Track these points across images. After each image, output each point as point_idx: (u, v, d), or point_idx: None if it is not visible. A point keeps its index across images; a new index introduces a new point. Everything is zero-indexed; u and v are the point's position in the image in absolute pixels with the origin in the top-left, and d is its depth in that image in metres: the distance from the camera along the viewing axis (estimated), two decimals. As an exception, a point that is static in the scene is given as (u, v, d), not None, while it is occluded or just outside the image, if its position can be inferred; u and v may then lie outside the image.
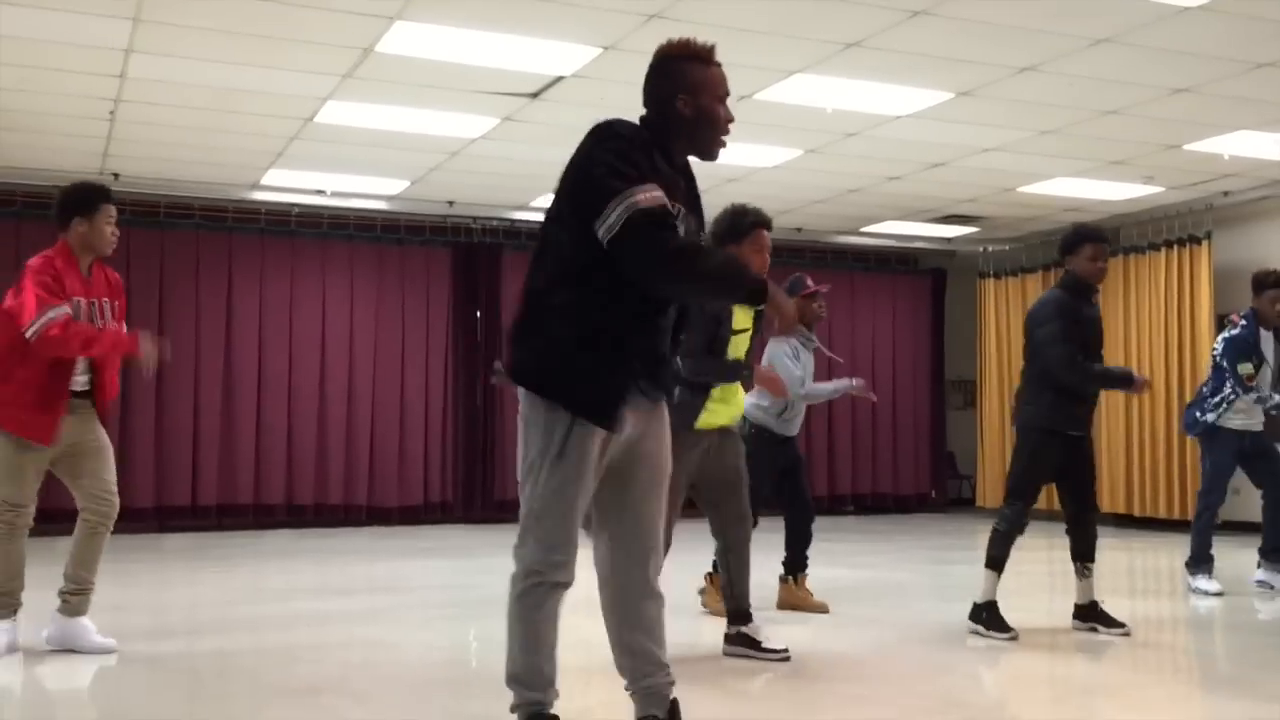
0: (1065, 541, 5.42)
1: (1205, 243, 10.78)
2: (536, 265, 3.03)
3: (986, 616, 5.23)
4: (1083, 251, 5.27)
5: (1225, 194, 10.45)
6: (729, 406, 4.82)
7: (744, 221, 4.75)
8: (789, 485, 5.98)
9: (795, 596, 6.00)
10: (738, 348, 4.82)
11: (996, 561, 5.27)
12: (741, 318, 4.79)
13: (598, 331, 2.94)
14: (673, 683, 3.15)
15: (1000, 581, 5.27)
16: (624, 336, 2.97)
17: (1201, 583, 6.61)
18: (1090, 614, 5.39)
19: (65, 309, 4.51)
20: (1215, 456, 6.69)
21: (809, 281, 5.99)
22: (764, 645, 4.75)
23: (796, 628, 5.47)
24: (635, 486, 3.09)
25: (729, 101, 3.14)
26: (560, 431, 2.93)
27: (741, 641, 4.80)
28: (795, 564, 6.03)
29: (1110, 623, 5.35)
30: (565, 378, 2.96)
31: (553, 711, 3.05)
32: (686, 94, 3.04)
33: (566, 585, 3.02)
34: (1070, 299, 5.26)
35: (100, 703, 4.33)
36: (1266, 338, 6.66)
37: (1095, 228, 5.46)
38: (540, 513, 2.98)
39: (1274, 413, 6.65)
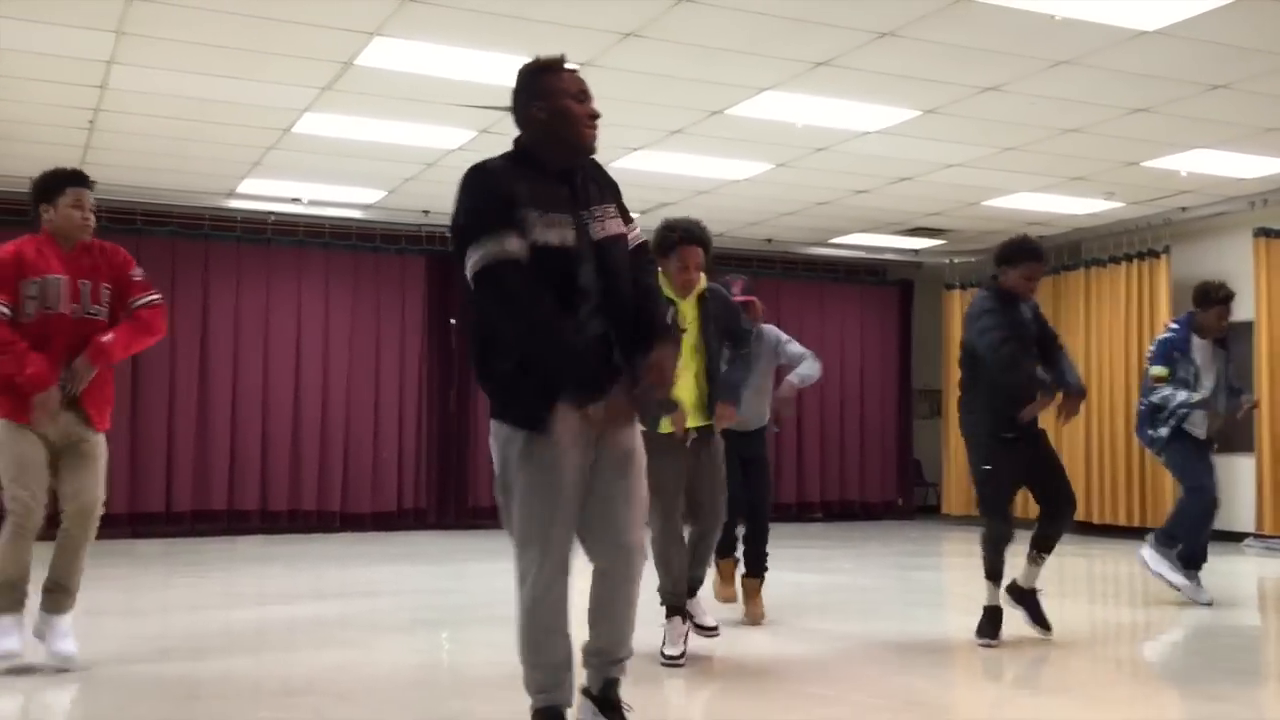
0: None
1: (1164, 256, 11.05)
2: None
3: (982, 620, 5.29)
4: (1019, 267, 5.25)
5: (1183, 209, 10.71)
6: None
7: (670, 237, 4.72)
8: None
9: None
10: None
11: (992, 573, 5.29)
12: (689, 318, 4.75)
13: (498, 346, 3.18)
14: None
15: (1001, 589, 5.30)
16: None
17: (1177, 579, 6.59)
18: (1024, 599, 5.37)
19: (3, 309, 4.45)
20: (1175, 458, 6.81)
21: (736, 290, 5.59)
22: (698, 621, 5.00)
23: (762, 632, 5.62)
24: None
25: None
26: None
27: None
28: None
29: (1038, 618, 5.33)
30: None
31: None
32: (538, 101, 3.23)
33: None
34: (999, 303, 5.27)
35: (73, 711, 4.30)
36: (1202, 346, 6.70)
37: (1037, 246, 5.38)
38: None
39: (1180, 412, 6.65)
